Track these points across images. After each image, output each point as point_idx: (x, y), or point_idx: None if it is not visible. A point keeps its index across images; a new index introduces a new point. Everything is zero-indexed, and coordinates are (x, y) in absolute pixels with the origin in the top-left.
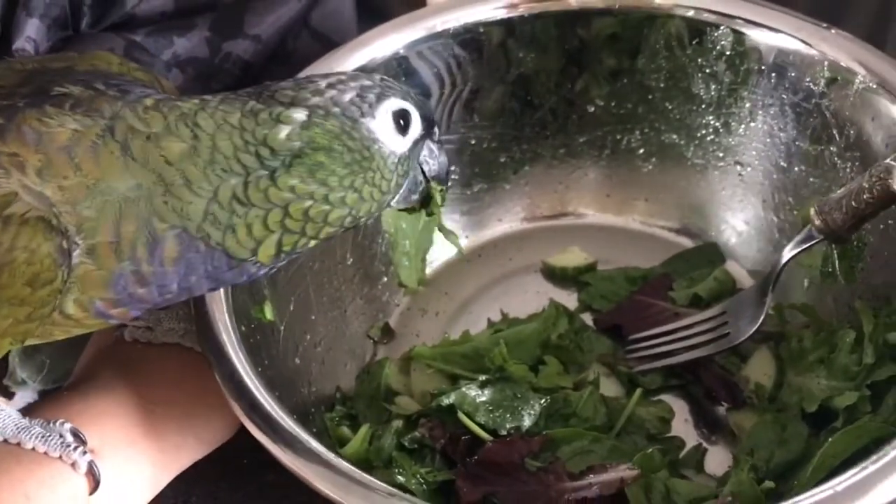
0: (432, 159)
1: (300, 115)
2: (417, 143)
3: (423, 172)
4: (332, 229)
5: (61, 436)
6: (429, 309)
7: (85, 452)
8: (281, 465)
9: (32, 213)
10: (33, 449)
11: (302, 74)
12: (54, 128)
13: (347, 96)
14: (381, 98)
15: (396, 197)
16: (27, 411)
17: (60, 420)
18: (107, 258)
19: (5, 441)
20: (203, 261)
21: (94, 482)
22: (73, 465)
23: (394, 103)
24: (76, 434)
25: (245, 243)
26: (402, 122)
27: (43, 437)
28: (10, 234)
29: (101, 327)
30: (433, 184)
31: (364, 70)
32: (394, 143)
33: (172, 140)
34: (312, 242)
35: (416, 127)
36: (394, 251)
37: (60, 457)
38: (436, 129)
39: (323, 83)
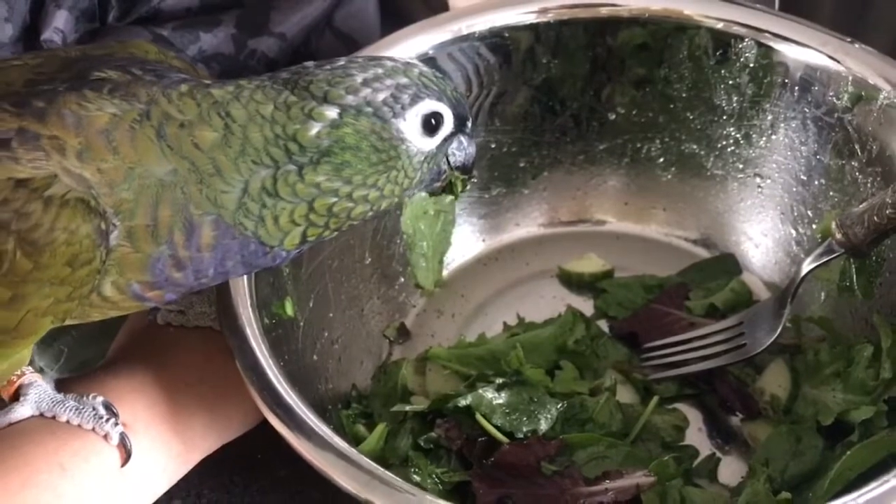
0: (460, 151)
1: (332, 112)
2: (447, 140)
3: (448, 163)
4: (354, 223)
5: (94, 409)
6: (445, 310)
7: (117, 424)
8: (294, 461)
9: (72, 194)
10: (67, 422)
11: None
12: (93, 112)
13: (381, 96)
14: (415, 100)
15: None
16: (61, 387)
17: (93, 394)
18: (144, 241)
19: (41, 414)
20: (240, 248)
21: (126, 454)
22: (106, 436)
23: (427, 105)
24: (108, 407)
25: (273, 233)
26: (432, 122)
27: (76, 409)
28: (50, 216)
29: (137, 309)
30: (457, 171)
31: None
32: (421, 143)
33: (205, 129)
34: (335, 234)
35: (447, 127)
36: (411, 252)
37: (93, 429)
38: (468, 123)
39: (359, 78)
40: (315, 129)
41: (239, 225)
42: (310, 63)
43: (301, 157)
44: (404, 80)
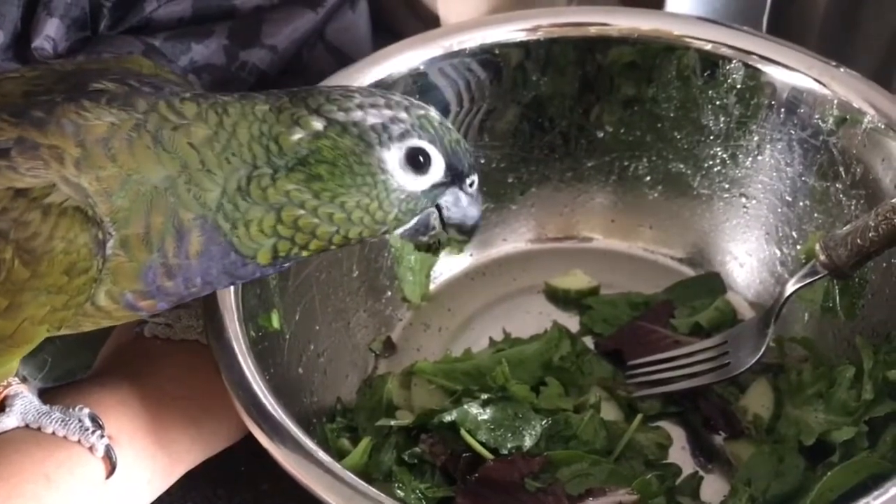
0: (455, 207)
1: (318, 124)
2: (437, 188)
3: (441, 219)
4: (322, 243)
5: (80, 420)
6: (431, 324)
7: (102, 436)
8: (277, 474)
9: (70, 203)
10: (53, 433)
11: (330, 82)
12: (92, 121)
13: (371, 121)
14: (404, 135)
15: (400, 230)
16: (47, 398)
17: (79, 406)
18: (138, 250)
19: (27, 426)
20: (221, 255)
21: (111, 466)
22: (91, 448)
23: (416, 143)
24: (94, 419)
25: (246, 242)
26: (419, 160)
27: (62, 421)
28: (49, 224)
29: (129, 319)
30: (451, 231)
31: (381, 85)
32: (405, 180)
33: (200, 125)
34: (305, 253)
35: (436, 171)
36: (399, 266)
37: (79, 440)
38: (469, 181)
39: (357, 100)
40: (297, 135)
41: (218, 228)
42: (323, 85)
43: (278, 160)
44: (402, 115)
